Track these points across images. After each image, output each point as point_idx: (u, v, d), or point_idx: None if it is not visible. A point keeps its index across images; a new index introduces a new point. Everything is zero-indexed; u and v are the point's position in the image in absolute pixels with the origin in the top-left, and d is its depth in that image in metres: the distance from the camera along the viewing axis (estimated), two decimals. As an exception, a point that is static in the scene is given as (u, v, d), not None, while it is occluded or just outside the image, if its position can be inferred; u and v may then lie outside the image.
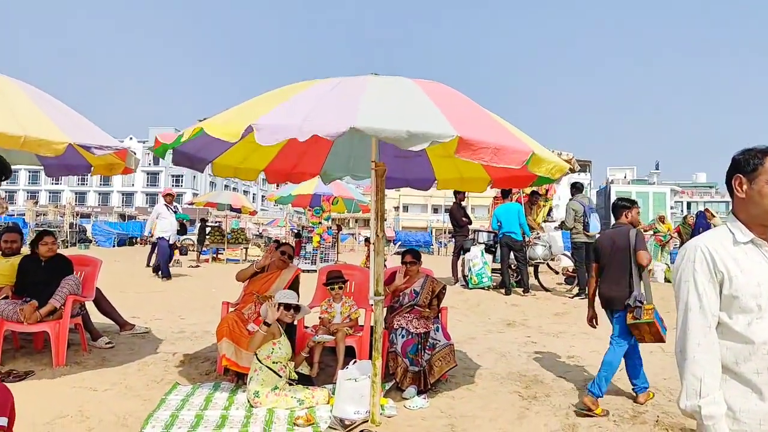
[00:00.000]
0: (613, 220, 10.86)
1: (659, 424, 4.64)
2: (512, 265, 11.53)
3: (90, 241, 33.60)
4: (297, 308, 5.11)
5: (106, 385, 5.17)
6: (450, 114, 3.61)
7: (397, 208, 73.22)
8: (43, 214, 50.80)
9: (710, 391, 1.90)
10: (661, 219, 15.75)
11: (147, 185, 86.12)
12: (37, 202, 62.11)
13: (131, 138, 62.17)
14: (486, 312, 9.55)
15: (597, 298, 5.23)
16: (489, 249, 11.82)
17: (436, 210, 69.54)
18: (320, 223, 15.92)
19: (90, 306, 6.79)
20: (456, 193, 12.40)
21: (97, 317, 6.92)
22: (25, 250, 6.42)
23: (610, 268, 5.12)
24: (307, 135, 3.33)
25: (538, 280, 12.15)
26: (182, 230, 14.56)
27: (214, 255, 23.07)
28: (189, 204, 24.22)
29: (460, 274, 12.24)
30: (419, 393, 5.21)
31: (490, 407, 4.99)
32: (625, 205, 5.37)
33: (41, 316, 5.55)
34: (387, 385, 5.30)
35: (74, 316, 5.89)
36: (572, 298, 10.85)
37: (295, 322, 5.55)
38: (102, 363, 5.81)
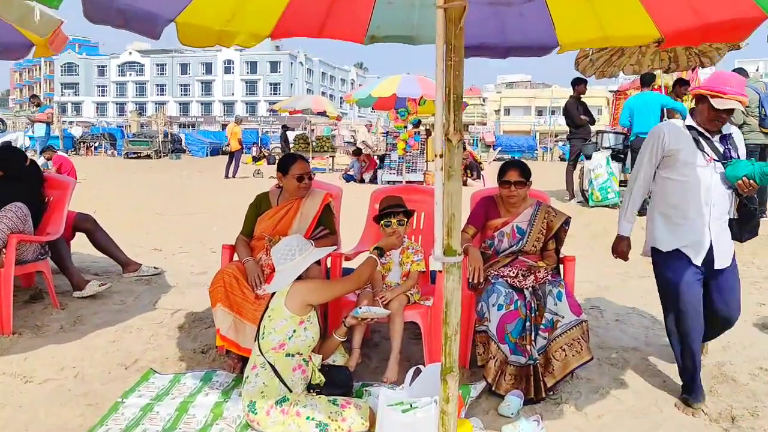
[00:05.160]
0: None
1: None
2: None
3: (183, 151, 33.29)
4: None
5: (50, 373, 3.46)
6: None
7: (497, 111, 68.96)
8: (148, 125, 51.73)
9: None
10: None
11: (246, 94, 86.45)
12: (141, 114, 63.62)
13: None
14: (617, 242, 7.12)
15: None
16: (617, 156, 9.16)
17: (540, 112, 64.50)
18: (406, 127, 13.65)
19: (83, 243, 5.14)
20: (575, 84, 9.69)
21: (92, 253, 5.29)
22: None
23: None
24: None
25: (682, 195, 9.39)
26: None
27: (300, 165, 21.60)
28: (270, 111, 22.75)
29: (577, 188, 9.74)
30: (527, 403, 3.12)
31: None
32: None
33: (-24, 263, 3.88)
34: (473, 390, 3.22)
35: (29, 262, 4.19)
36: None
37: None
38: (70, 329, 4.11)
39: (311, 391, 2.96)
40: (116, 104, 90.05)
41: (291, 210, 3.69)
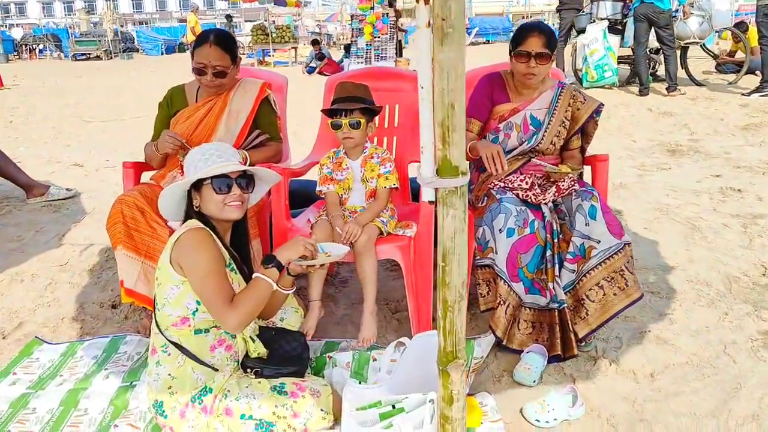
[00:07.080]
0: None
1: None
2: (649, 50, 7.81)
3: (136, 50, 30.92)
4: (249, 179, 2.05)
5: None
6: None
7: (470, -7, 65.52)
8: (99, 24, 48.05)
9: None
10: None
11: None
12: (90, 12, 59.06)
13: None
14: (624, 129, 6.17)
15: None
16: (614, 28, 8.02)
17: (514, -9, 61.44)
18: (372, 8, 12.13)
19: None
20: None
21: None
22: None
23: None
24: None
25: (687, 70, 8.37)
26: None
27: (260, 58, 19.91)
28: (224, -2, 20.66)
29: (569, 68, 8.65)
30: (551, 360, 2.27)
31: (727, 403, 2.02)
32: None
33: None
34: (477, 349, 2.33)
35: None
36: (749, 95, 7.18)
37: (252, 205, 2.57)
38: (-59, 279, 3.13)
39: (248, 370, 2.05)
40: (64, 3, 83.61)
41: (215, 107, 2.63)
